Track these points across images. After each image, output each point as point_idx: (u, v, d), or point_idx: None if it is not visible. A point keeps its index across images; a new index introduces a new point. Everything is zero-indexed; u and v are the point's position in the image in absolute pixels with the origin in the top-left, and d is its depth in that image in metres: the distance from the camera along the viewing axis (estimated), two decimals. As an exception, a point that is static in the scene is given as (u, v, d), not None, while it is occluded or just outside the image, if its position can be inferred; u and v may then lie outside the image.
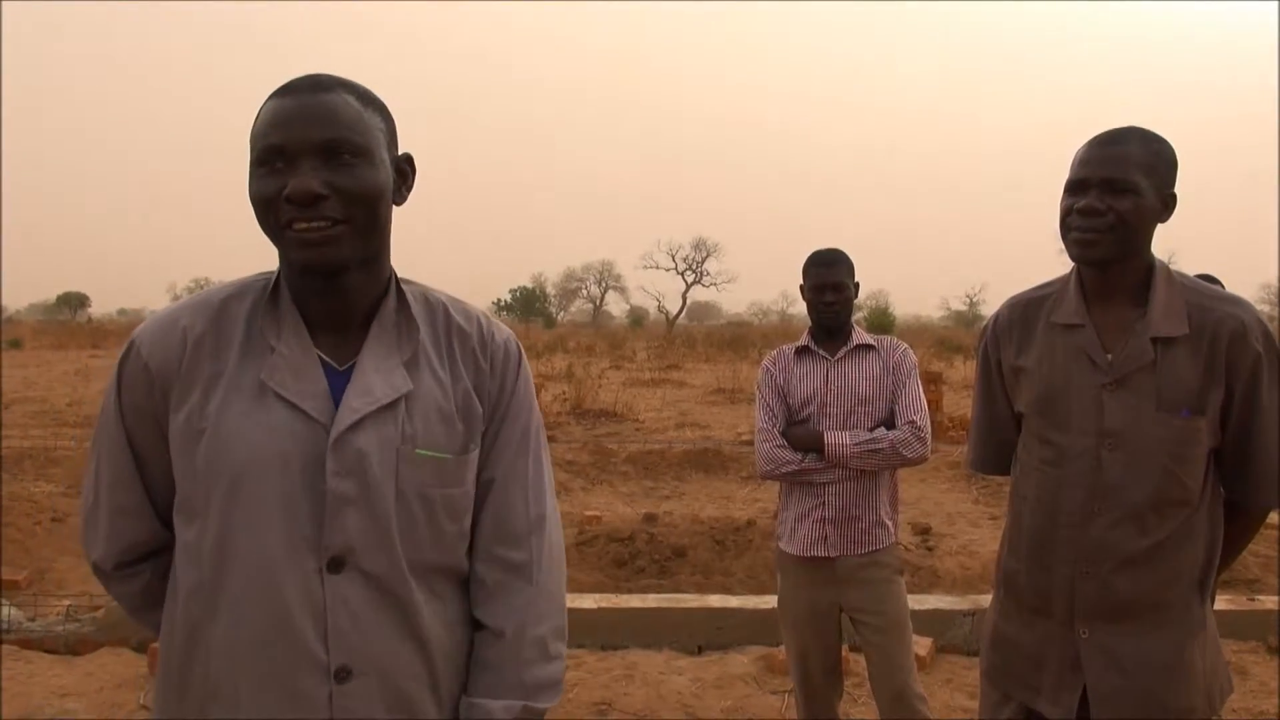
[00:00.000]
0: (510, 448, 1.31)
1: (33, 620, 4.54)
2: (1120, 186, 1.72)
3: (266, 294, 1.24)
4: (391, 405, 1.21)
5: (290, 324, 1.22)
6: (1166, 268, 1.82)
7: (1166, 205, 1.78)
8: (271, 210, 1.16)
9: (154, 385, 1.21)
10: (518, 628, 1.26)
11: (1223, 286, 3.37)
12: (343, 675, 1.17)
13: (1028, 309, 1.93)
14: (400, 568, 1.20)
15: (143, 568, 1.31)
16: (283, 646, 1.16)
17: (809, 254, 2.87)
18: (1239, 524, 1.85)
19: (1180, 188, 1.80)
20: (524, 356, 1.36)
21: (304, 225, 1.15)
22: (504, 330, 1.35)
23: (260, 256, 1.31)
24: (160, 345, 1.22)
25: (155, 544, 1.30)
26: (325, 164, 1.16)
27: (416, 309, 1.28)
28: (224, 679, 1.17)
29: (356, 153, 1.18)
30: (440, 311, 1.31)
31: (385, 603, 1.19)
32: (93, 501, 1.29)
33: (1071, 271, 1.88)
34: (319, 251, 1.16)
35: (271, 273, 1.27)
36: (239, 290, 1.26)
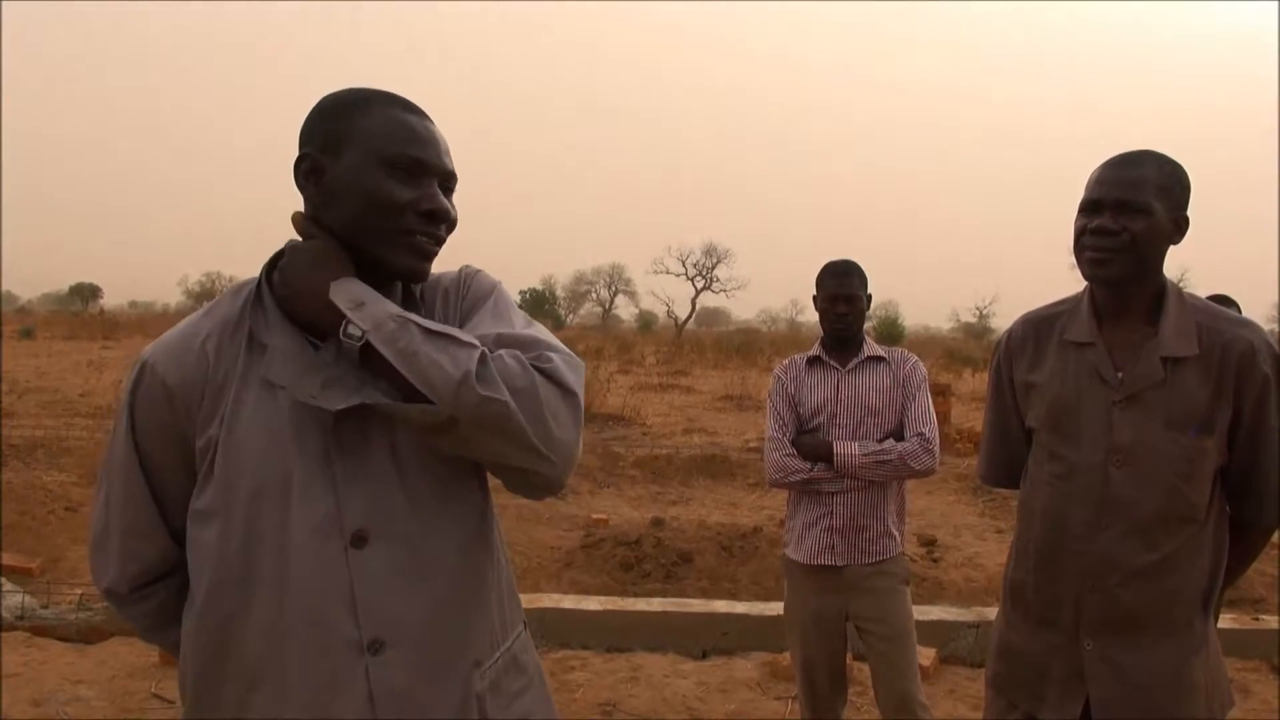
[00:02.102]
0: (476, 308, 1.34)
1: (46, 608, 4.60)
2: (1134, 208, 1.75)
3: (252, 295, 1.28)
4: None
5: (275, 317, 1.26)
6: (1178, 288, 1.85)
7: (1179, 227, 1.81)
8: (397, 214, 1.24)
9: (175, 402, 1.23)
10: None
11: (1239, 308, 3.39)
12: (376, 647, 1.20)
13: (1040, 326, 1.96)
14: (423, 530, 1.24)
15: (158, 587, 1.32)
16: (315, 627, 1.18)
17: (823, 264, 2.90)
18: (1244, 542, 1.88)
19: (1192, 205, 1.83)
20: (475, 271, 1.40)
21: (425, 238, 1.27)
22: (452, 272, 1.41)
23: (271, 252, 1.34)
24: (178, 361, 1.24)
25: (168, 565, 1.31)
26: (441, 191, 1.29)
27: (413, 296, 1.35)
28: (263, 667, 1.19)
29: (454, 189, 1.33)
30: (424, 289, 1.38)
31: (412, 569, 1.23)
32: (103, 527, 1.30)
33: (1084, 290, 1.91)
34: (425, 265, 1.28)
35: (251, 279, 1.31)
36: (237, 292, 1.31)
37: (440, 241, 1.29)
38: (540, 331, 1.31)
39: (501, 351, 1.22)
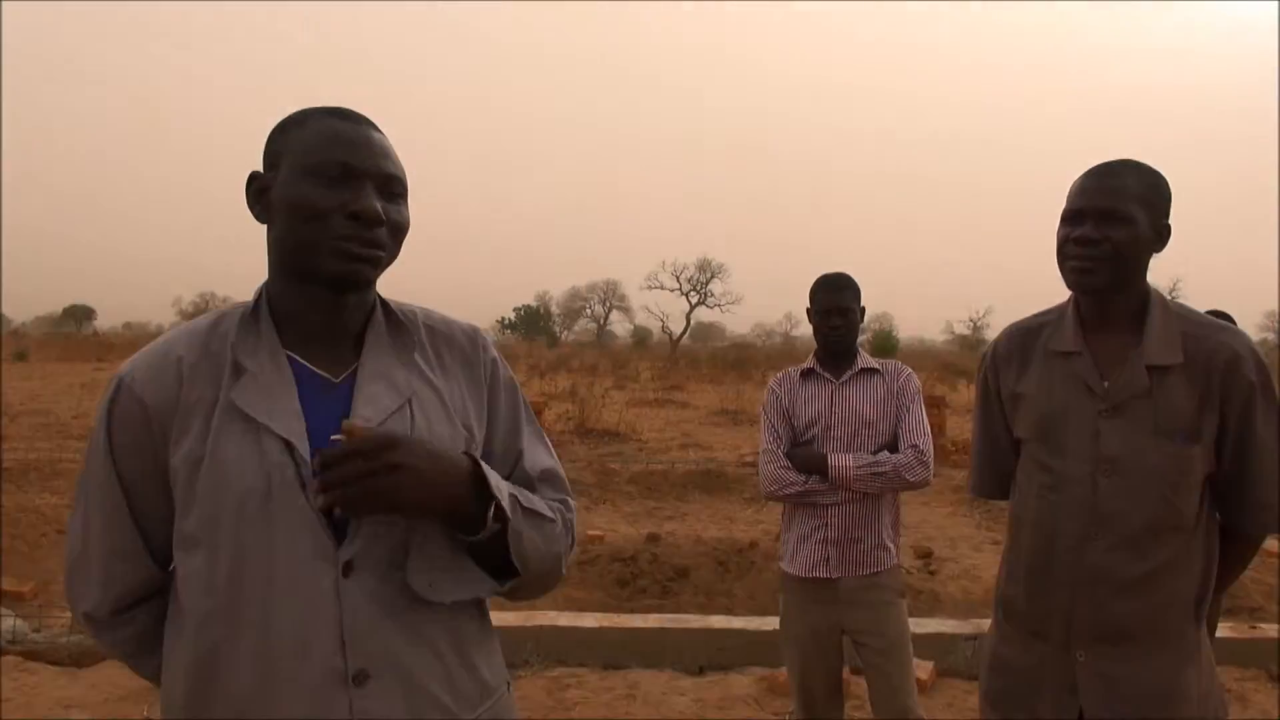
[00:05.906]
0: (516, 418, 1.42)
1: (38, 632, 4.57)
2: (1116, 216, 1.76)
3: (245, 316, 1.26)
4: (398, 411, 1.25)
5: (266, 343, 1.24)
6: (1162, 297, 1.86)
7: (1161, 236, 1.82)
8: (322, 219, 1.21)
9: (151, 421, 1.21)
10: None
11: (1234, 323, 3.39)
12: (361, 679, 1.18)
13: (1026, 337, 1.96)
14: (414, 565, 1.22)
15: (139, 611, 1.29)
16: (302, 658, 1.17)
17: (817, 278, 2.91)
18: (1234, 550, 1.88)
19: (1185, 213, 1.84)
20: (490, 345, 1.44)
21: (354, 242, 1.21)
22: (466, 323, 1.43)
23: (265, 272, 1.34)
24: (154, 380, 1.22)
25: (150, 587, 1.28)
26: (380, 194, 1.25)
27: (404, 320, 1.34)
28: (250, 698, 1.18)
29: (404, 192, 1.30)
30: (418, 320, 1.37)
31: (400, 602, 1.22)
32: (80, 550, 1.27)
33: (1069, 300, 1.92)
34: (358, 268, 1.23)
35: (246, 302, 1.29)
36: (221, 316, 1.29)
37: (376, 244, 1.23)
38: (555, 457, 1.45)
39: (552, 505, 1.36)
